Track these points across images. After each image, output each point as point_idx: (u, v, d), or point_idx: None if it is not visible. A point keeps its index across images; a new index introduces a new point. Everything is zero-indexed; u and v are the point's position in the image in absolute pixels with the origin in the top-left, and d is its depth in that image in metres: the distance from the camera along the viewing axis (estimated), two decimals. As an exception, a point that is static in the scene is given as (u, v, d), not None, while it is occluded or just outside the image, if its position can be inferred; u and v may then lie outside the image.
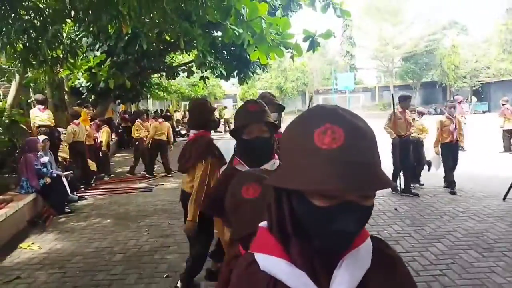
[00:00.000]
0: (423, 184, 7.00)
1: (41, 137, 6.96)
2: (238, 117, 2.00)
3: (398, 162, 6.45)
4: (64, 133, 8.44)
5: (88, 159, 8.54)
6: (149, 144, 9.49)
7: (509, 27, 32.65)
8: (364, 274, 0.71)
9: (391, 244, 3.52)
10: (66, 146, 8.36)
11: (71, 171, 7.60)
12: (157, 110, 18.55)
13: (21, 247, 4.87)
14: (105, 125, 10.07)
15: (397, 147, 6.43)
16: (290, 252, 0.71)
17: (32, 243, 4.98)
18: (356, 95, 37.17)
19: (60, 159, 7.94)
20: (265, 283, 0.71)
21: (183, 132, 20.15)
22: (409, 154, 6.56)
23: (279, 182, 0.69)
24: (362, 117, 0.70)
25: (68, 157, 8.21)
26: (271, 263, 0.71)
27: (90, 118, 9.90)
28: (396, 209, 5.70)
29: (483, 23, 56.91)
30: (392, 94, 7.12)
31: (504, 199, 5.82)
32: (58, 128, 9.20)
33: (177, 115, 22.46)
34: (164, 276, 3.85)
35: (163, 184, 8.45)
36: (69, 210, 6.46)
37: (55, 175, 6.52)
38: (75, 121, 8.29)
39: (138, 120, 10.27)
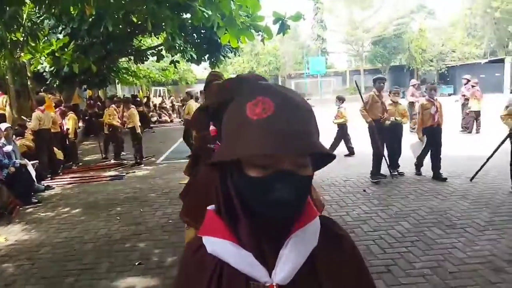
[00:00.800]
0: (403, 174, 6.67)
1: (3, 125, 6.67)
2: (219, 93, 1.67)
3: (379, 147, 6.21)
4: (29, 121, 8.11)
5: (54, 148, 8.27)
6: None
7: (473, 11, 33.71)
8: (312, 253, 0.73)
9: (359, 224, 3.62)
10: (30, 134, 8.05)
11: (37, 161, 7.35)
12: (133, 95, 18.03)
13: (-15, 240, 4.70)
14: (71, 112, 9.73)
15: (375, 131, 6.20)
16: (238, 234, 0.72)
17: (-3, 235, 4.83)
18: (328, 79, 37.51)
19: (24, 148, 7.64)
20: (212, 266, 0.72)
21: (154, 119, 19.77)
22: (384, 139, 6.35)
23: (217, 157, 0.70)
24: (298, 93, 0.72)
25: (32, 146, 7.91)
26: (217, 246, 0.72)
27: (54, 104, 9.54)
28: (364, 190, 5.86)
29: (449, 7, 58.23)
30: (355, 81, 6.97)
31: (471, 179, 5.96)
32: (22, 117, 8.84)
33: (155, 100, 22.38)
34: (136, 263, 3.83)
35: (134, 172, 8.31)
36: (36, 201, 6.27)
37: (18, 164, 6.28)
38: (40, 107, 7.97)
39: (113, 105, 9.96)
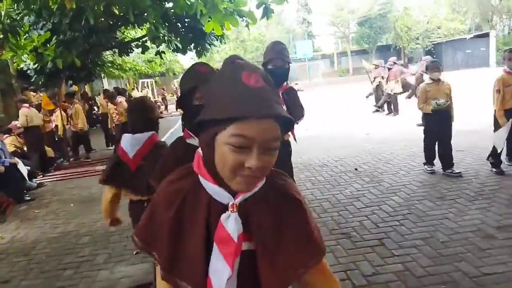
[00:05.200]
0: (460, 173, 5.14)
1: (-11, 125, 6.58)
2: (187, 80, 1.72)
3: None
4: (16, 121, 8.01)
5: (44, 145, 8.20)
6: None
7: (457, -13, 33.64)
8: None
9: (352, 201, 3.68)
10: (17, 133, 7.95)
11: (29, 166, 7.32)
12: (116, 87, 17.68)
13: (-20, 239, 4.69)
14: (59, 108, 9.60)
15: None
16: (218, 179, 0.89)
17: (-8, 234, 4.81)
18: (316, 63, 37.35)
19: (13, 148, 7.55)
20: (207, 198, 0.92)
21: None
22: None
23: (209, 115, 0.81)
24: None
25: (20, 144, 7.83)
26: (207, 186, 0.91)
27: (39, 102, 9.42)
28: (356, 169, 5.93)
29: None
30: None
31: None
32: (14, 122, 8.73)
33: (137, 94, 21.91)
34: (134, 253, 3.85)
35: (126, 164, 8.27)
36: (28, 198, 6.25)
37: (7, 164, 6.23)
38: (25, 104, 7.85)
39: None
